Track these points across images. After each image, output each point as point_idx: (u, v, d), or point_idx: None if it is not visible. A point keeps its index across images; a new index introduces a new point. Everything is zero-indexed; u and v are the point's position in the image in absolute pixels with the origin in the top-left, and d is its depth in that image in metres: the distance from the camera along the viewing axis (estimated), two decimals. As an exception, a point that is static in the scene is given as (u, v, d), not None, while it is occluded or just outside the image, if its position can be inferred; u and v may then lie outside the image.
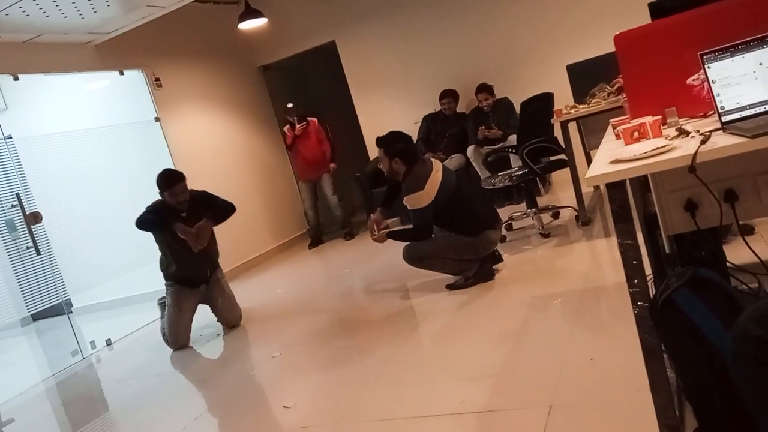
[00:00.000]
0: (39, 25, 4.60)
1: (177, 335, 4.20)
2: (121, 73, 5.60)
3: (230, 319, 4.39)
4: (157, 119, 5.78)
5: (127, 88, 5.75)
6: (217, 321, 4.45)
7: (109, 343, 4.85)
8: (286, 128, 6.63)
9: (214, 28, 6.69)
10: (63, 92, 5.79)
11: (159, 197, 4.17)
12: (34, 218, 4.53)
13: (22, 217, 4.50)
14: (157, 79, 5.85)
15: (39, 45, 4.89)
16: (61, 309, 5.24)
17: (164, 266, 4.30)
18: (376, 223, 4.06)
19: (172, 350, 4.21)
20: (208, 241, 4.21)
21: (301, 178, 6.72)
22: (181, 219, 4.10)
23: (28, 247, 4.63)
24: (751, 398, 1.26)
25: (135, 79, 5.74)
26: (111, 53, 5.45)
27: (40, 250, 4.62)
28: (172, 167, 5.66)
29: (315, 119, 6.64)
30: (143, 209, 4.13)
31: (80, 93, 5.86)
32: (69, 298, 5.42)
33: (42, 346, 5.97)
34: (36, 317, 6.44)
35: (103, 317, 5.98)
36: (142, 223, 4.10)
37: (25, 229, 4.52)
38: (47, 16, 4.48)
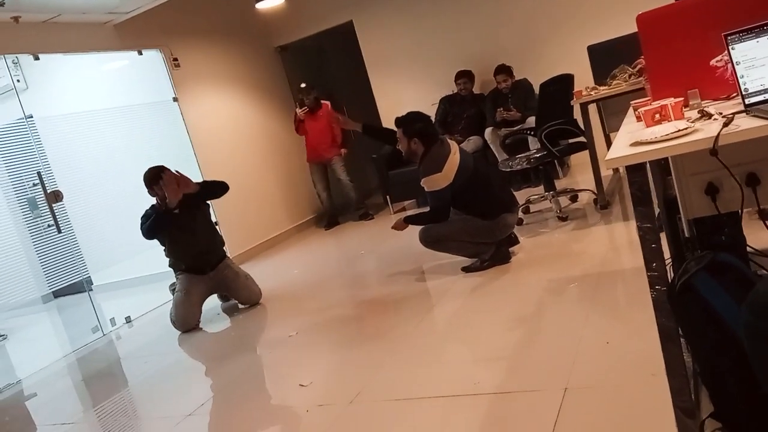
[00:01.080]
0: (58, 5, 4.62)
1: (184, 317, 4.22)
2: (140, 53, 5.62)
3: (250, 296, 4.41)
4: (175, 99, 5.80)
5: (146, 68, 5.77)
6: (238, 303, 4.48)
7: (128, 320, 4.93)
8: (297, 109, 6.57)
9: (232, 7, 6.67)
10: (82, 72, 5.83)
11: (149, 204, 4.25)
12: (55, 197, 4.59)
13: (43, 195, 4.56)
14: (175, 59, 5.86)
15: (58, 25, 4.92)
16: (81, 286, 5.32)
17: (168, 258, 4.38)
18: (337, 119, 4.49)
19: (180, 331, 4.22)
20: (182, 191, 4.14)
21: (309, 159, 6.66)
22: (175, 216, 4.13)
23: (49, 226, 4.71)
24: (766, 375, 1.24)
25: (153, 59, 5.76)
26: (129, 33, 5.46)
27: (61, 228, 4.69)
28: (190, 148, 5.77)
29: (328, 103, 6.56)
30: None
31: (99, 73, 5.89)
32: (89, 276, 5.50)
33: (63, 323, 6.08)
34: (57, 294, 6.54)
35: (122, 295, 6.07)
36: (149, 229, 4.15)
37: (47, 207, 4.59)
38: (66, -4, 4.49)
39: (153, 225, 4.13)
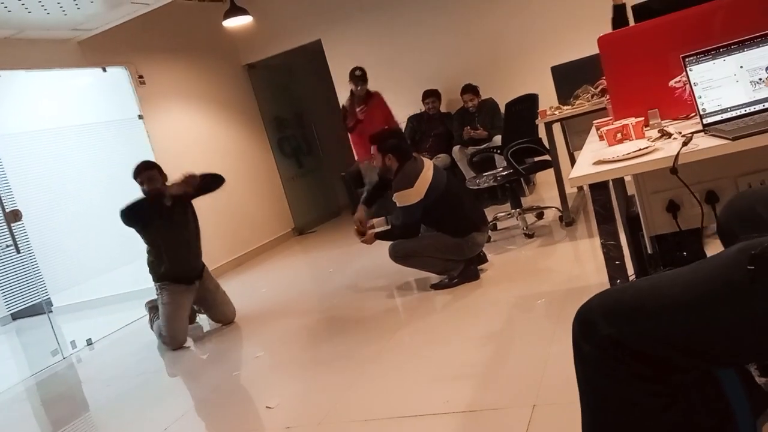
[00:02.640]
0: (21, 21, 4.54)
1: (176, 333, 4.03)
2: (104, 70, 5.54)
3: (227, 314, 4.29)
4: (140, 117, 5.72)
5: (110, 86, 5.70)
6: (211, 319, 4.35)
7: (89, 342, 4.79)
8: (346, 103, 5.94)
9: (199, 25, 6.64)
10: (45, 89, 5.72)
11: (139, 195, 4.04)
12: (14, 216, 4.47)
13: (1, 214, 4.44)
14: (141, 77, 5.79)
15: (21, 41, 4.83)
16: (41, 308, 5.17)
17: (154, 267, 4.14)
18: (359, 221, 4.05)
19: (169, 349, 4.04)
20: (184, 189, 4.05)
21: (362, 159, 5.92)
22: (166, 209, 4.00)
23: (7, 246, 4.57)
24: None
25: (118, 76, 5.68)
26: (94, 50, 5.39)
27: (20, 248, 4.56)
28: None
29: (378, 91, 5.95)
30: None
31: (62, 90, 5.79)
32: (49, 298, 5.36)
33: (21, 346, 5.89)
34: (15, 316, 6.36)
35: (83, 317, 5.91)
36: (131, 213, 3.95)
37: (5, 227, 4.46)
38: (29, 12, 4.42)
39: (137, 211, 3.96)
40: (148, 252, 4.15)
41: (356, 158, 5.90)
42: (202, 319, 4.52)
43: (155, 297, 4.25)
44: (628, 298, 1.13)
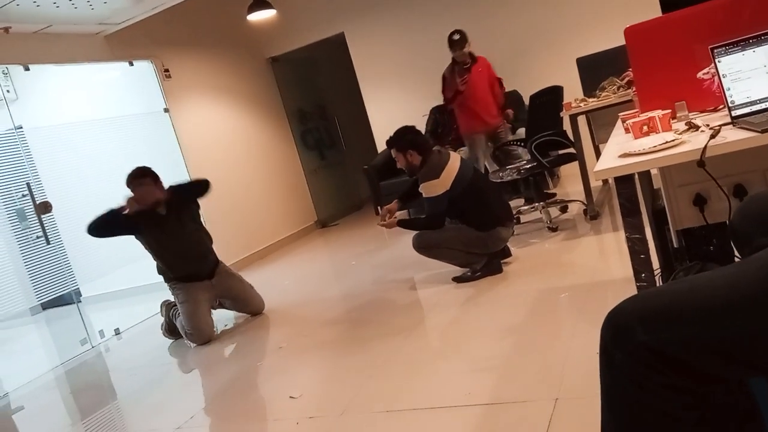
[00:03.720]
0: (49, 16, 4.62)
1: (201, 327, 3.95)
2: (131, 63, 5.62)
3: (257, 305, 4.26)
4: (166, 110, 5.79)
5: (137, 79, 5.77)
6: (238, 312, 4.32)
7: (117, 332, 4.89)
8: (446, 71, 5.32)
9: (223, 19, 6.69)
10: (73, 83, 5.81)
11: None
12: (44, 208, 4.56)
13: (32, 206, 4.53)
14: (167, 70, 5.86)
15: (49, 35, 4.91)
16: (70, 298, 5.28)
17: (162, 272, 4.12)
18: (389, 211, 4.04)
19: (194, 345, 3.97)
20: (153, 198, 3.93)
21: (470, 131, 5.37)
22: (159, 217, 3.93)
23: (38, 237, 4.67)
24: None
25: (144, 70, 5.75)
26: (120, 44, 5.46)
27: (50, 239, 4.66)
28: (181, 158, 5.75)
29: (483, 56, 5.33)
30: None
31: (90, 84, 5.88)
32: (78, 288, 5.46)
33: (51, 335, 6.03)
34: (45, 306, 6.49)
35: (111, 307, 6.02)
36: (95, 225, 3.90)
37: (35, 218, 4.56)
38: (57, 7, 4.49)
39: (100, 224, 3.87)
40: (153, 258, 4.09)
41: (460, 131, 5.50)
42: (220, 314, 4.45)
43: (171, 298, 4.20)
44: (666, 303, 1.05)
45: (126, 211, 3.92)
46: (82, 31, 5.13)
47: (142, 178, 3.94)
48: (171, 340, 4.23)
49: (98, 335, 4.81)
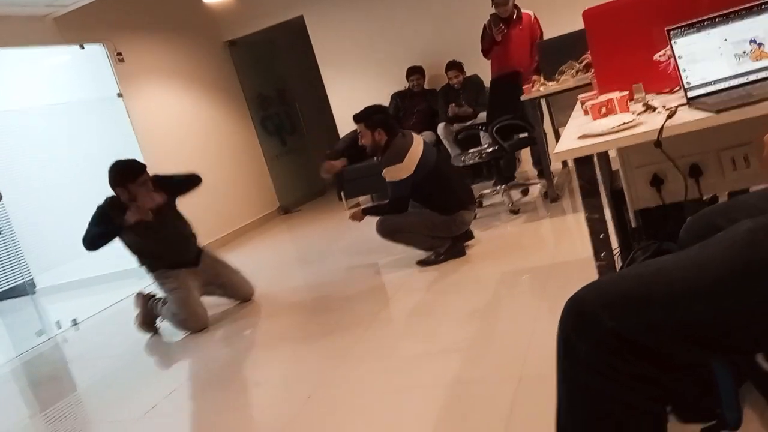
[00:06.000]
0: (-6, -3, 4.43)
1: (196, 312, 3.72)
2: (82, 47, 5.43)
3: (245, 291, 4.05)
4: (119, 95, 5.63)
5: (88, 63, 5.59)
6: (229, 298, 4.09)
7: (75, 323, 4.77)
8: (487, 23, 5.14)
9: (178, 0, 6.52)
10: (22, 67, 5.60)
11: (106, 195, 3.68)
12: (-7, 197, 4.40)
13: (-20, 196, 4.37)
14: (119, 54, 5.69)
15: (-6, 17, 4.72)
16: (24, 289, 5.13)
17: (145, 265, 3.87)
18: (333, 166, 4.16)
19: (189, 333, 3.73)
20: (154, 205, 3.65)
21: None
22: (145, 223, 3.64)
23: (-12, 227, 4.52)
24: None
25: (96, 53, 5.57)
26: (71, 27, 5.27)
27: (1, 230, 4.51)
28: (136, 145, 5.59)
29: (530, 13, 5.13)
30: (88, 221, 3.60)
31: (39, 68, 5.67)
32: (32, 278, 5.31)
33: (6, 327, 5.84)
34: (-1, 298, 6.31)
35: (68, 297, 5.87)
36: (93, 241, 3.58)
37: (-15, 208, 4.40)
38: (2, -13, 4.31)
39: (100, 238, 3.56)
40: (132, 254, 3.85)
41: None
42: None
43: (145, 290, 4.00)
44: (631, 287, 1.02)
45: (128, 222, 3.58)
46: (30, 13, 4.93)
47: (140, 175, 3.60)
48: (148, 334, 3.96)
49: (55, 326, 4.69)
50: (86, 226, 3.64)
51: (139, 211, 3.59)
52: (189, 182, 3.99)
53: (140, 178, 3.61)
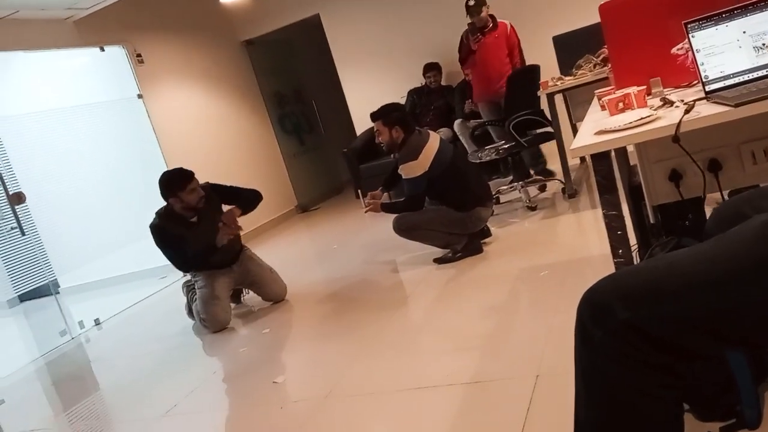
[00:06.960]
0: (16, 1, 4.49)
1: (216, 314, 3.77)
2: (102, 49, 5.50)
3: (275, 291, 4.03)
4: (139, 96, 5.69)
5: (109, 65, 5.65)
6: (262, 297, 4.10)
7: (97, 322, 4.83)
8: (464, 33, 5.21)
9: (196, 1, 6.57)
10: (43, 70, 5.69)
11: (156, 210, 3.78)
12: (17, 198, 4.47)
13: (5, 197, 4.45)
14: (139, 55, 5.75)
15: (16, 21, 4.78)
16: (48, 290, 5.21)
17: (183, 266, 4.01)
18: (374, 196, 4.04)
19: (210, 332, 3.78)
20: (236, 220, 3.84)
21: (477, 99, 5.35)
22: (192, 226, 3.73)
23: (12, 228, 4.59)
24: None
25: (116, 55, 5.64)
26: (90, 29, 5.34)
27: (25, 230, 4.58)
28: (157, 145, 5.66)
29: (506, 22, 5.21)
30: (152, 238, 3.71)
31: (61, 70, 5.76)
32: (56, 279, 5.39)
33: (30, 327, 5.95)
34: (23, 298, 6.41)
35: (91, 297, 5.95)
36: (192, 264, 3.82)
37: (9, 209, 4.47)
38: (23, -8, 4.38)
39: (197, 260, 3.74)
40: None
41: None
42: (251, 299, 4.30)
43: (190, 279, 4.06)
44: (645, 280, 1.05)
45: (221, 242, 3.74)
46: (51, 16, 5.00)
47: (189, 182, 3.68)
48: (193, 322, 4.04)
49: (78, 326, 4.76)
50: (158, 250, 3.75)
51: (230, 229, 3.78)
52: (256, 200, 4.12)
53: (189, 186, 3.67)
